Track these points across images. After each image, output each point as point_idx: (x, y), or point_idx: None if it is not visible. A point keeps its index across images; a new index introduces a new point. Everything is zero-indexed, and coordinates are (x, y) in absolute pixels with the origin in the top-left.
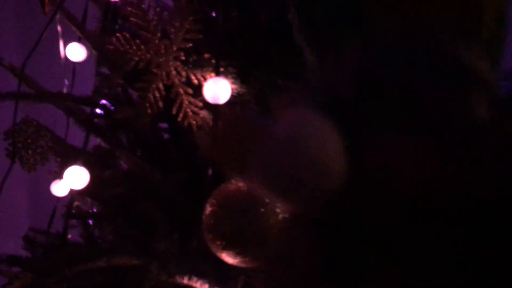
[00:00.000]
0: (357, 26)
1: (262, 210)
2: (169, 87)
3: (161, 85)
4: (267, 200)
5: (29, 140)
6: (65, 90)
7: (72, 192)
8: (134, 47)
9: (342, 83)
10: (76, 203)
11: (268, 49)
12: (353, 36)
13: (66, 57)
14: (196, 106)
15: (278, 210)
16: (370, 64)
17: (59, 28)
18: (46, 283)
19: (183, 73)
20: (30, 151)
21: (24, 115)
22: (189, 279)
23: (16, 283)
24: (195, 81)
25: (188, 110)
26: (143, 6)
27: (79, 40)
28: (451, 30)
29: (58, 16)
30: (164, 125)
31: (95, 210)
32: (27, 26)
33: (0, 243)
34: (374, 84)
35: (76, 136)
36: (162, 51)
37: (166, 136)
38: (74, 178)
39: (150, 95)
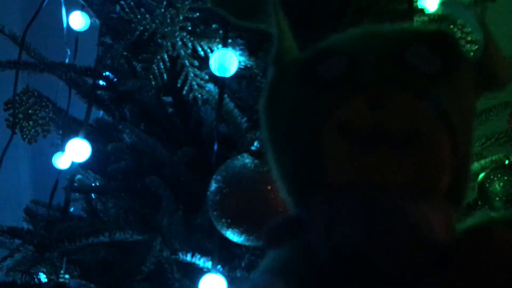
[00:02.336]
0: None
1: (269, 187)
2: (174, 59)
3: (166, 57)
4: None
5: (30, 111)
6: (67, 60)
7: (74, 165)
8: (139, 16)
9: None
10: (78, 176)
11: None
12: (319, 197)
13: (68, 26)
14: (202, 79)
15: None
16: (334, 230)
17: None
18: (47, 256)
19: (189, 44)
20: (31, 122)
21: (25, 85)
22: (193, 256)
23: (17, 255)
24: (202, 53)
25: (194, 82)
26: None
27: (82, 9)
28: (411, 190)
29: None
30: (168, 99)
31: (97, 183)
32: None
33: (1, 215)
34: (341, 253)
35: (78, 108)
36: (168, 20)
37: (170, 110)
38: (76, 150)
39: (155, 67)
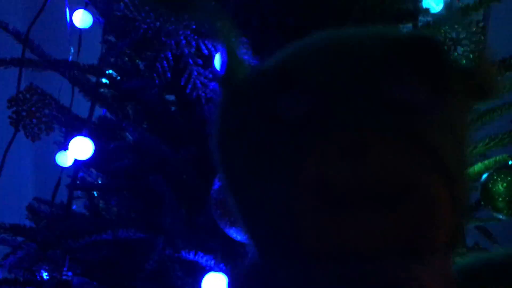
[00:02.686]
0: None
1: None
2: (178, 57)
3: (170, 55)
4: None
5: (33, 109)
6: (70, 58)
7: (77, 163)
8: (143, 14)
9: None
10: (80, 174)
11: (284, 19)
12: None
13: (72, 24)
14: (206, 77)
15: None
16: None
17: None
18: (50, 254)
19: (193, 43)
20: (34, 120)
21: (28, 83)
22: (195, 254)
23: (19, 252)
24: (206, 51)
25: (198, 81)
26: None
27: (85, 7)
28: (403, 252)
29: None
30: (171, 97)
31: (100, 182)
32: None
33: (3, 213)
34: None
35: (81, 106)
36: (172, 19)
37: (173, 108)
38: (79, 148)
39: (158, 65)
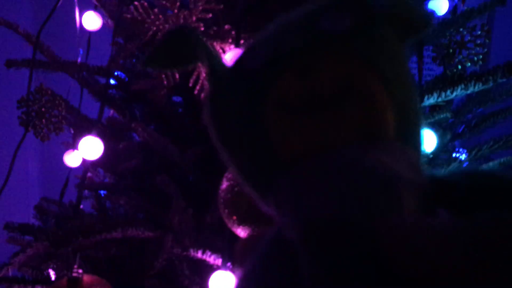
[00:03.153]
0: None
1: None
2: None
3: None
4: None
5: (43, 109)
6: (79, 60)
7: (86, 163)
8: (152, 17)
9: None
10: (88, 174)
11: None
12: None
13: (81, 26)
14: None
15: None
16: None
17: None
18: (60, 252)
19: None
20: (44, 120)
21: (38, 84)
22: (203, 253)
23: (29, 251)
24: None
25: (205, 82)
26: None
27: (95, 9)
28: (360, 143)
29: None
30: (178, 99)
31: (106, 181)
32: None
33: (11, 212)
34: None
35: (89, 107)
36: (181, 21)
37: (180, 110)
38: (88, 148)
39: None
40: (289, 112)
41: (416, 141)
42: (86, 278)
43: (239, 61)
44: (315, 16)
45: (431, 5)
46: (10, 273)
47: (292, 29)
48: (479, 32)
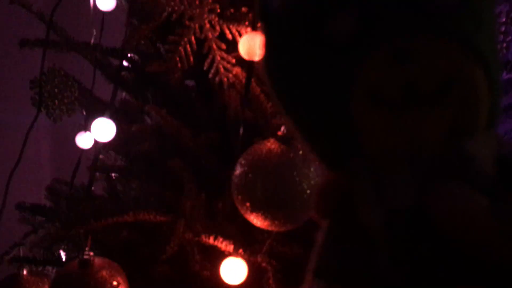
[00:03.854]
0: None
1: (295, 173)
2: (201, 41)
3: (193, 39)
4: (299, 164)
5: (56, 90)
6: (93, 41)
7: (98, 145)
8: None
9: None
10: (100, 156)
11: None
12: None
13: (95, 6)
14: (229, 62)
15: (311, 174)
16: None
17: None
18: (72, 234)
19: (217, 27)
20: (56, 101)
21: (51, 64)
22: (215, 239)
23: (41, 231)
24: (229, 36)
25: (220, 66)
26: None
27: None
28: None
29: None
30: (191, 83)
31: (118, 164)
32: None
33: (22, 192)
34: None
35: (102, 89)
36: (197, 2)
37: (193, 94)
38: (101, 130)
39: (181, 49)
40: (382, 107)
41: (496, 122)
42: (97, 260)
43: (313, 15)
44: None
45: None
46: (21, 253)
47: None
48: (504, 19)
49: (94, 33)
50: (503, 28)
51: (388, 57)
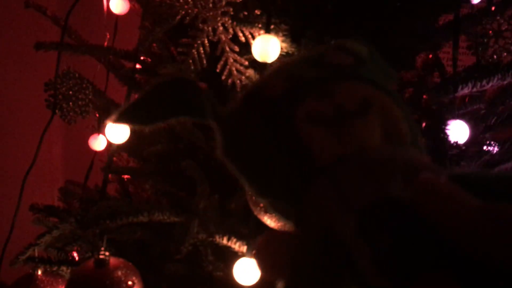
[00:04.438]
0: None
1: None
2: (214, 44)
3: (206, 41)
4: None
5: (70, 92)
6: (106, 44)
7: (111, 147)
8: (181, 0)
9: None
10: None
11: (323, 6)
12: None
13: (109, 10)
14: (242, 64)
15: None
16: None
17: None
18: (86, 234)
19: (230, 30)
20: (70, 103)
21: (65, 67)
22: (229, 239)
23: (55, 232)
24: (242, 38)
25: (233, 68)
26: None
27: None
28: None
29: None
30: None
31: (131, 166)
32: None
33: (36, 194)
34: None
35: (115, 91)
36: (210, 5)
37: None
38: (114, 132)
39: (195, 51)
40: (320, 125)
41: (423, 151)
42: (113, 260)
43: (253, 93)
44: (324, 55)
45: None
46: (36, 254)
47: (307, 64)
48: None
49: (108, 36)
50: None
51: (315, 96)
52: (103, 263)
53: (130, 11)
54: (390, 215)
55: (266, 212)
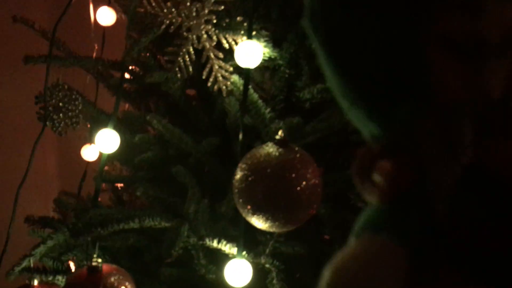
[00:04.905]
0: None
1: (293, 175)
2: (199, 51)
3: (191, 49)
4: (298, 166)
5: (60, 104)
6: (94, 54)
7: (103, 156)
8: (165, 10)
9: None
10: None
11: (303, 12)
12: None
13: (96, 21)
14: (226, 70)
15: (309, 175)
16: None
17: None
18: (80, 242)
19: (214, 37)
20: (61, 115)
21: (55, 79)
22: (219, 242)
23: (49, 242)
24: (226, 45)
25: (219, 74)
26: None
27: (109, 4)
28: None
29: None
30: (192, 92)
31: (122, 174)
32: None
33: (31, 205)
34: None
35: (104, 101)
36: (194, 14)
37: (194, 102)
38: (105, 142)
39: (180, 59)
40: (457, 55)
41: None
42: (106, 267)
43: None
44: None
45: None
46: (32, 264)
47: None
48: None
49: (96, 47)
50: None
51: (462, 9)
52: (95, 270)
53: (117, 22)
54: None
55: (253, 213)
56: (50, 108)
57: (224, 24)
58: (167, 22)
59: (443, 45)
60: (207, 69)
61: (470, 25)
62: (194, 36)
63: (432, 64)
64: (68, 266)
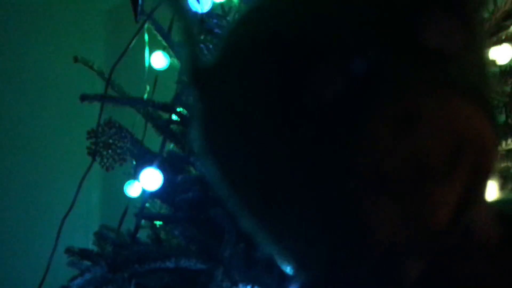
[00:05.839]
0: None
1: None
2: None
3: None
4: None
5: (110, 141)
6: (146, 96)
7: (145, 193)
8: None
9: None
10: (146, 204)
11: None
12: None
13: (150, 65)
14: None
15: None
16: None
17: (146, 36)
18: (116, 277)
19: None
20: (110, 151)
21: (107, 117)
22: None
23: (87, 275)
24: None
25: None
26: (228, 18)
27: (163, 49)
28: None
29: (146, 25)
30: None
31: (163, 212)
32: (115, 34)
33: (72, 238)
34: None
35: (151, 140)
36: None
37: None
38: (149, 179)
39: None
40: (391, 188)
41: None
42: None
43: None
44: (411, 15)
45: (492, 54)
46: None
47: (376, 30)
48: None
49: (148, 89)
50: None
51: (390, 122)
52: None
53: (170, 67)
54: None
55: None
56: (101, 144)
57: None
58: None
59: (372, 176)
60: None
61: (402, 150)
62: None
63: (362, 203)
64: None
